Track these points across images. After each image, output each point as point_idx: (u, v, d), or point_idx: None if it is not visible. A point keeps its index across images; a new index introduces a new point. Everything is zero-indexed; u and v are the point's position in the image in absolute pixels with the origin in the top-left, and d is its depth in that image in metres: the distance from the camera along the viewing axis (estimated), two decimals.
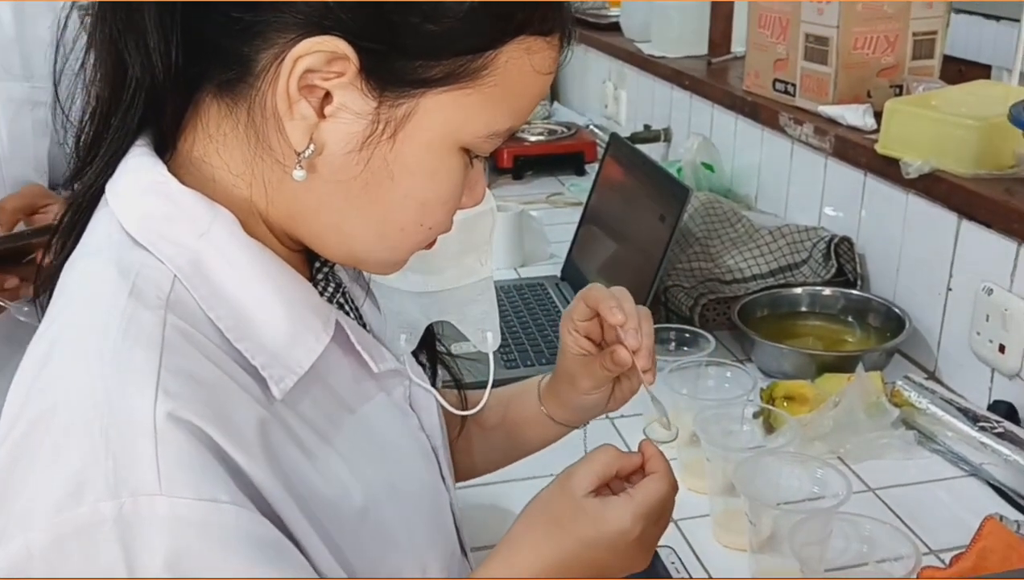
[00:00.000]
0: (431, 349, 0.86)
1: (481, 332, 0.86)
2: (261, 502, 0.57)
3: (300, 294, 0.65)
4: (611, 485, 0.74)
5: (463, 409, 0.87)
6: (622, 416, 1.32)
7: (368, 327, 0.77)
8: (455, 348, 1.23)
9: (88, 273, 0.61)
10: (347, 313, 0.74)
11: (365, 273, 0.79)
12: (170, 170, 0.63)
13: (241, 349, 0.60)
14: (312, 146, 0.60)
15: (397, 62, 0.59)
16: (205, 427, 0.54)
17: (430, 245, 0.70)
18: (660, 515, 0.73)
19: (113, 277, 0.59)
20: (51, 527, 0.52)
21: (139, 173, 0.63)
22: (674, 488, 0.74)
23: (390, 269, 0.71)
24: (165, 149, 0.64)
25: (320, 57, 0.58)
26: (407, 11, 0.58)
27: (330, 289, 0.73)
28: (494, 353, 0.86)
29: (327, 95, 0.59)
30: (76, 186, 0.67)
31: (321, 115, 0.60)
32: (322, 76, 0.58)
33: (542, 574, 0.69)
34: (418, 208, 0.64)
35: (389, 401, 0.74)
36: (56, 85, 0.66)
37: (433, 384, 0.83)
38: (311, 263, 0.72)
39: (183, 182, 0.62)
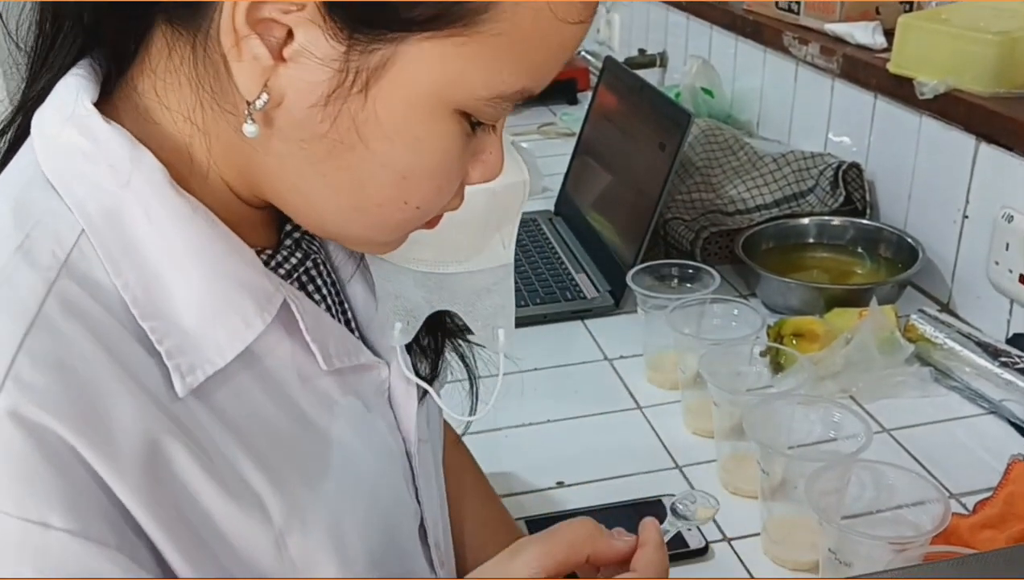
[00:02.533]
0: (437, 335, 0.72)
1: (492, 329, 0.70)
2: (132, 525, 0.48)
3: (235, 267, 0.54)
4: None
5: (471, 410, 0.74)
6: (621, 358, 1.26)
7: (351, 312, 0.66)
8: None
9: None
10: (317, 290, 0.63)
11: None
12: (109, 102, 0.53)
13: (147, 328, 0.50)
14: (266, 95, 0.49)
15: None
16: (63, 433, 0.45)
17: (431, 224, 0.60)
18: None
19: (7, 221, 0.50)
20: None
21: (64, 101, 0.53)
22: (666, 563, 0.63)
23: (376, 249, 0.61)
24: (112, 74, 0.55)
25: None
26: None
27: (293, 260, 0.61)
28: (504, 355, 0.70)
29: (290, 34, 0.48)
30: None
31: (279, 57, 0.49)
32: (280, 8, 0.47)
33: None
34: (397, 181, 0.53)
35: (356, 401, 0.62)
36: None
37: (434, 374, 0.70)
38: (281, 225, 0.62)
39: (119, 119, 0.53)
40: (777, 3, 1.68)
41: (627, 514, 0.98)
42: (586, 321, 1.36)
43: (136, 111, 0.54)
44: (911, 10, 1.52)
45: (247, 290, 0.54)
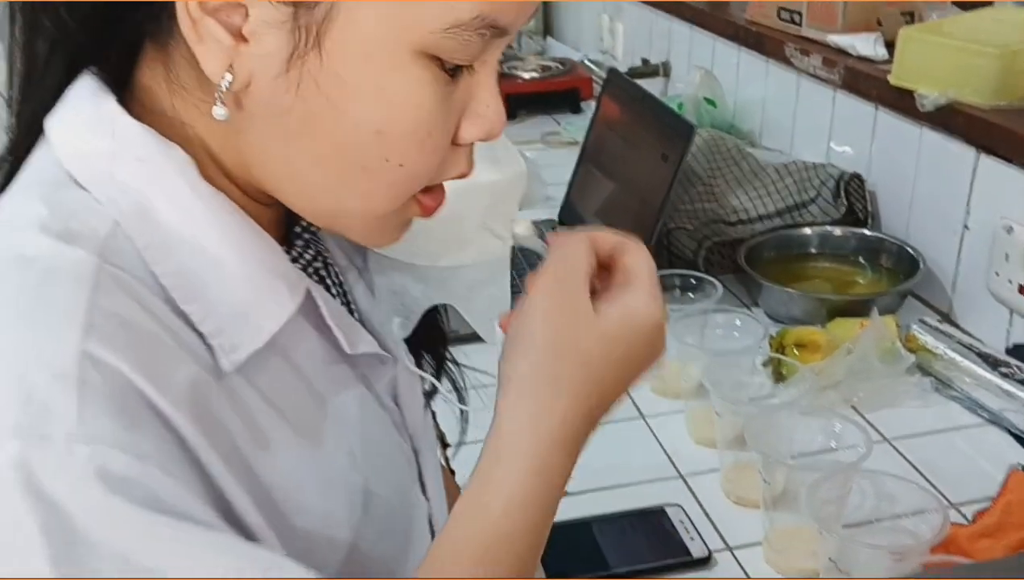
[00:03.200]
0: (436, 342, 0.74)
1: (489, 322, 0.71)
2: (202, 477, 0.49)
3: (263, 253, 0.55)
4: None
5: (462, 426, 0.76)
6: (658, 415, 1.25)
7: (356, 312, 0.66)
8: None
9: (12, 213, 0.52)
10: (328, 289, 0.64)
11: (360, 249, 0.69)
12: (123, 103, 0.54)
13: (188, 312, 0.51)
14: (230, 76, 0.50)
15: None
16: (135, 379, 0.46)
17: (434, 202, 0.58)
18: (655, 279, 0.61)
19: (41, 218, 0.50)
20: None
21: (82, 104, 0.54)
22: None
23: (376, 234, 0.59)
24: (120, 83, 0.56)
25: None
26: None
27: (307, 256, 0.63)
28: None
29: (247, 14, 0.49)
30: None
31: (239, 38, 0.50)
32: None
33: (582, 422, 0.58)
34: (373, 139, 0.52)
35: (367, 393, 0.63)
36: None
37: (437, 378, 0.73)
38: (290, 225, 0.63)
39: (137, 116, 0.54)
40: (779, 14, 1.69)
41: (631, 523, 0.99)
42: None
43: (152, 106, 0.55)
44: (912, 22, 1.54)
45: (277, 274, 0.56)
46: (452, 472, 0.91)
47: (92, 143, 0.53)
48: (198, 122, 0.54)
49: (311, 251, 0.63)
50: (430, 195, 0.58)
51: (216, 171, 0.55)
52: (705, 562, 0.95)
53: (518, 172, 0.69)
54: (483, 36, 0.51)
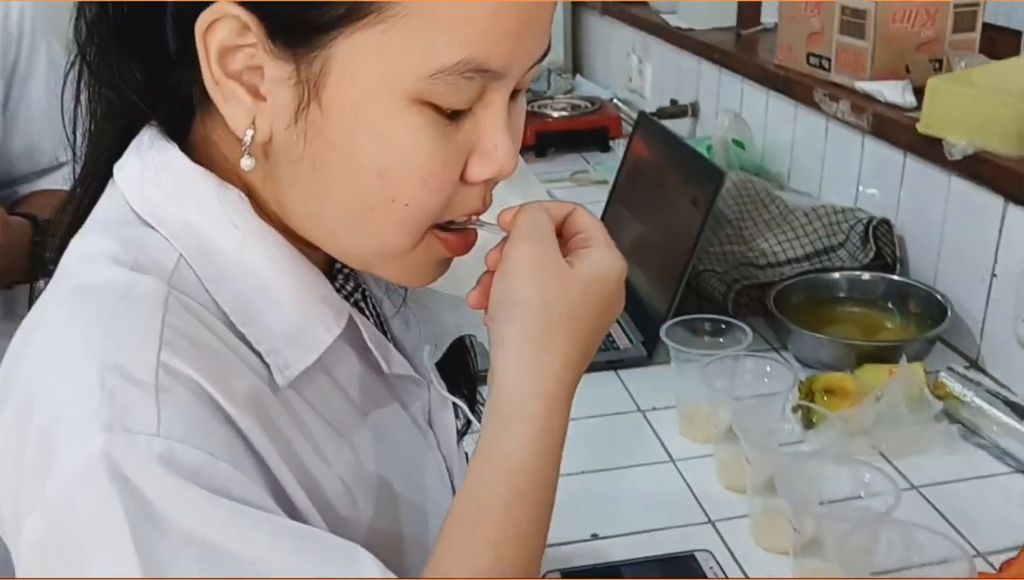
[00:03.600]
0: (466, 375, 0.80)
1: None
2: (264, 473, 0.54)
3: (311, 281, 0.61)
4: None
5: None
6: (654, 409, 1.29)
7: (391, 339, 0.72)
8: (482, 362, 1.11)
9: (87, 250, 0.59)
10: (366, 317, 0.69)
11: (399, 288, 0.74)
12: (183, 151, 0.60)
13: (246, 333, 0.57)
14: (253, 130, 0.56)
15: (292, 12, 0.53)
16: (205, 385, 0.52)
17: (463, 242, 0.62)
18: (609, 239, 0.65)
19: (114, 253, 0.57)
20: (55, 482, 0.50)
21: (147, 152, 0.60)
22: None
23: (408, 274, 0.63)
24: (180, 134, 0.62)
25: (227, 30, 0.54)
26: None
27: (348, 287, 0.69)
28: None
29: (262, 75, 0.56)
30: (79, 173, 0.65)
31: (258, 96, 0.56)
32: (246, 53, 0.55)
33: (572, 374, 0.61)
34: (376, 181, 0.56)
35: (404, 413, 0.69)
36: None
37: (471, 410, 0.78)
38: (331, 262, 0.68)
39: (196, 162, 0.60)
40: (808, 59, 1.71)
41: (660, 568, 1.00)
42: (619, 371, 1.39)
43: (208, 153, 0.61)
44: (941, 69, 1.56)
45: (323, 301, 0.62)
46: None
47: (157, 186, 0.59)
48: (242, 176, 0.60)
49: (351, 284, 0.69)
50: (457, 235, 0.62)
51: (262, 213, 0.61)
52: None
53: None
54: (471, 80, 0.55)
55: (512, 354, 0.60)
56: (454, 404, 0.74)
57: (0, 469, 0.54)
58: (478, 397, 0.82)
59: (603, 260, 0.63)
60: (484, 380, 0.77)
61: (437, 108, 0.55)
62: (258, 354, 0.58)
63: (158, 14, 0.57)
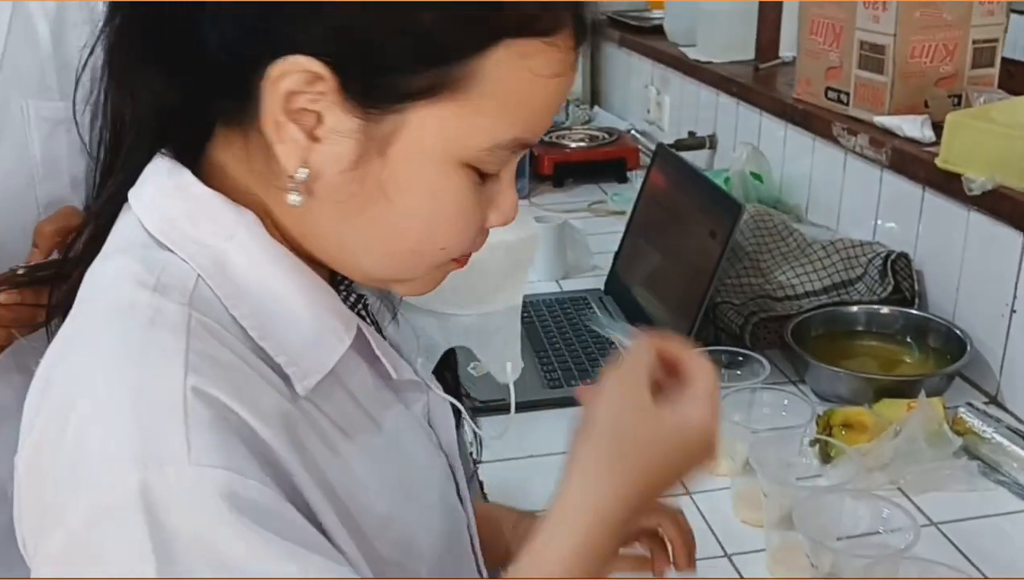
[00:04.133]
0: (453, 378, 0.86)
1: (501, 362, 0.86)
2: (287, 485, 0.56)
3: (321, 296, 0.64)
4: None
5: (479, 453, 0.87)
6: (704, 492, 1.28)
7: (390, 344, 0.76)
8: (474, 370, 1.23)
9: (109, 273, 0.61)
10: (368, 327, 0.73)
11: (395, 296, 0.79)
12: (196, 175, 0.63)
13: (265, 347, 0.60)
14: (305, 170, 0.59)
15: (374, 78, 0.57)
16: (231, 404, 0.54)
17: (462, 262, 0.68)
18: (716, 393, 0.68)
19: (137, 274, 0.59)
20: (84, 510, 0.51)
21: (162, 177, 0.63)
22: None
23: (416, 289, 0.69)
24: (191, 159, 0.64)
25: (299, 79, 0.57)
26: (376, 26, 0.56)
27: (351, 299, 0.72)
28: (514, 383, 0.85)
29: (319, 119, 0.59)
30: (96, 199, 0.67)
31: (313, 138, 0.59)
32: (309, 98, 0.58)
33: (628, 503, 0.64)
34: (422, 228, 0.63)
35: (408, 414, 0.73)
36: (87, 105, 0.67)
37: (456, 413, 0.82)
38: (334, 276, 0.71)
39: (209, 186, 0.63)
40: (827, 93, 1.72)
41: None
42: None
43: (221, 182, 0.63)
44: (960, 104, 1.56)
45: (334, 314, 0.65)
46: (481, 484, 1.07)
47: (173, 210, 0.62)
48: (267, 197, 0.63)
49: (353, 296, 0.72)
50: (462, 259, 0.69)
51: (275, 233, 0.64)
52: None
53: (532, 235, 0.81)
54: (514, 153, 0.63)
55: (578, 466, 0.64)
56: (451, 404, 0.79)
57: (28, 482, 0.56)
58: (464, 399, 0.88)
59: (691, 410, 0.66)
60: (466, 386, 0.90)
61: (477, 171, 0.62)
62: (276, 367, 0.60)
63: (201, 44, 0.59)
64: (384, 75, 0.57)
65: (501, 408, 1.22)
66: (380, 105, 0.58)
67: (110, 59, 0.63)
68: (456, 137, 0.59)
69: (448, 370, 0.85)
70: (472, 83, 0.58)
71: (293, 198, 0.60)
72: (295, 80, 0.57)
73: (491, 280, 0.79)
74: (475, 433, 0.92)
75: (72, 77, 1.13)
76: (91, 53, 0.64)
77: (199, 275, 0.60)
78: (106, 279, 0.61)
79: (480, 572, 0.78)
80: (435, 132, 0.59)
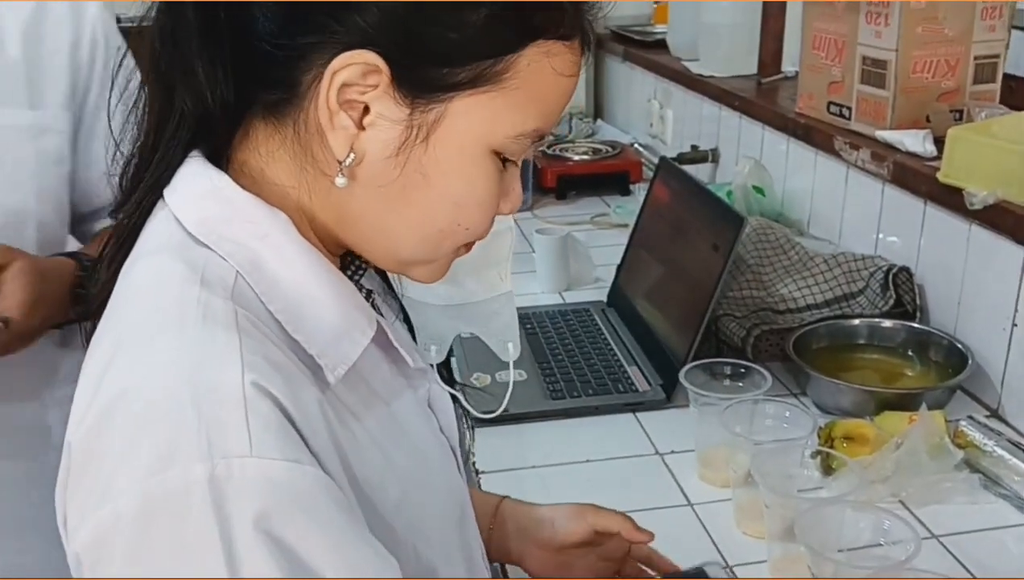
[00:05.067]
0: (446, 368, 0.93)
1: (503, 342, 0.94)
2: (319, 466, 0.59)
3: (347, 292, 0.68)
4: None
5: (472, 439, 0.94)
6: (672, 452, 1.29)
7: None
8: (477, 380, 1.33)
9: (153, 269, 0.64)
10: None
11: (397, 288, 0.83)
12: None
13: (299, 339, 0.64)
14: (353, 155, 0.64)
15: (425, 70, 0.63)
16: (281, 398, 0.58)
17: (469, 248, 0.73)
18: None
19: (182, 270, 0.62)
20: (141, 492, 0.54)
21: (197, 179, 0.66)
22: None
23: (433, 274, 0.73)
24: (219, 161, 0.67)
25: (355, 71, 0.62)
26: (430, 23, 0.62)
27: (363, 293, 0.75)
28: (515, 394, 0.94)
29: (366, 107, 0.63)
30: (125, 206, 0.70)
31: (360, 126, 0.64)
32: (359, 89, 0.63)
33: None
34: (453, 208, 0.67)
35: (416, 399, 0.77)
36: (109, 119, 0.72)
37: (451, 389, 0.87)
38: (344, 271, 0.74)
39: (241, 186, 0.66)
40: (828, 108, 1.73)
41: None
42: (637, 413, 1.39)
43: (252, 181, 0.67)
44: (961, 119, 1.57)
45: (358, 309, 0.69)
46: (477, 472, 1.20)
47: (208, 210, 0.65)
48: (303, 187, 0.67)
49: (364, 290, 0.76)
50: (470, 245, 0.75)
51: (306, 228, 0.68)
52: None
53: (505, 228, 0.88)
54: (533, 142, 0.69)
55: None
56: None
57: (81, 460, 0.58)
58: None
59: None
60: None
61: (502, 158, 0.68)
62: (308, 359, 0.64)
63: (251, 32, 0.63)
64: (436, 67, 0.63)
65: (502, 419, 1.24)
66: (428, 95, 0.63)
67: (156, 57, 0.66)
68: (490, 125, 0.65)
69: (442, 362, 0.93)
70: (507, 77, 0.64)
71: (340, 181, 0.65)
72: (352, 72, 0.62)
73: (464, 267, 0.87)
74: (467, 419, 1.00)
75: (45, 85, 1.13)
76: (124, 58, 0.68)
77: (238, 272, 0.63)
78: (149, 277, 0.64)
79: (483, 555, 0.82)
80: (474, 120, 0.65)
